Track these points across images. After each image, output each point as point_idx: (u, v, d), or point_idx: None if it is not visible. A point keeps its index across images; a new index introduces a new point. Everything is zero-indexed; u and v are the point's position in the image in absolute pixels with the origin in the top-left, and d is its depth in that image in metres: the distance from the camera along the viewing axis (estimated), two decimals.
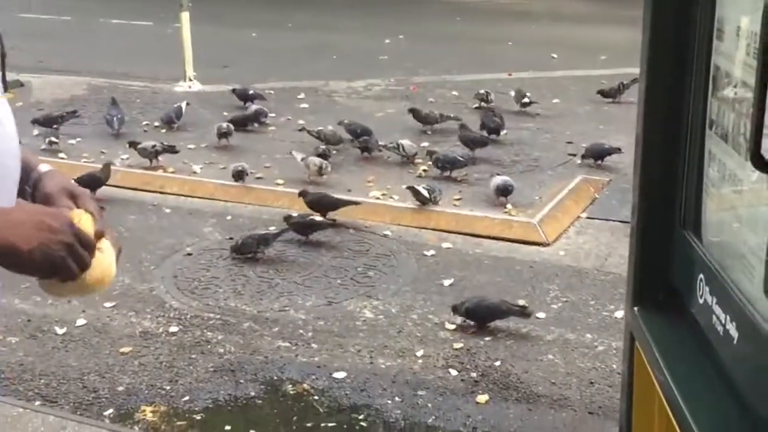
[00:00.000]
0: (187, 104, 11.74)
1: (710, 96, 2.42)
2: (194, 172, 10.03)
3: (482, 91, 12.09)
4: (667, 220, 2.63)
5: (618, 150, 9.71)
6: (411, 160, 9.96)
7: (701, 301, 2.41)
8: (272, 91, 13.29)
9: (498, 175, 9.17)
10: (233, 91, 12.56)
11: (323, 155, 9.94)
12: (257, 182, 9.65)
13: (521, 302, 6.88)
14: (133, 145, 10.29)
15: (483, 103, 11.91)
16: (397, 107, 12.37)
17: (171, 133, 11.46)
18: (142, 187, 9.78)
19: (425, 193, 8.69)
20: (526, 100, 12.02)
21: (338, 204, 8.61)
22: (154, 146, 10.21)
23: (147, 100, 13.06)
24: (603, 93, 12.36)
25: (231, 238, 8.16)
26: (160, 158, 10.16)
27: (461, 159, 9.62)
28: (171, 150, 10.26)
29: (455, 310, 6.66)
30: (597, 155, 9.79)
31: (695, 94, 2.52)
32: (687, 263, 2.50)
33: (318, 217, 8.42)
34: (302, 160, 9.55)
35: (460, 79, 13.95)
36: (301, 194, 8.68)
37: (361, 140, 10.23)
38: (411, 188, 8.76)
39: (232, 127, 10.73)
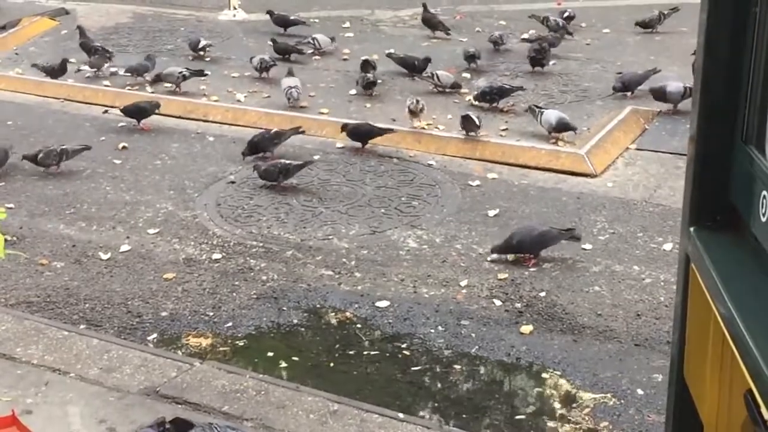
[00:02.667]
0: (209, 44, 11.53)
1: None
2: (238, 101, 9.96)
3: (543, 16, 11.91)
4: (727, 135, 2.51)
5: (654, 71, 9.56)
6: (447, 90, 9.82)
7: (764, 218, 2.29)
8: (317, 20, 13.13)
9: (550, 109, 8.96)
10: (270, 16, 12.36)
11: (370, 84, 9.83)
12: (301, 111, 9.56)
13: (568, 226, 6.80)
14: (157, 78, 10.31)
15: (538, 33, 11.65)
16: (442, 36, 12.15)
17: (216, 61, 11.37)
18: (185, 115, 9.74)
19: (477, 121, 8.55)
20: (567, 14, 12.04)
21: (374, 132, 8.56)
22: (181, 72, 10.17)
23: (191, 29, 12.95)
24: (642, 24, 12.09)
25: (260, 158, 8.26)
26: (178, 87, 10.14)
27: (508, 87, 9.45)
28: (199, 74, 10.25)
29: (500, 249, 6.51)
30: (633, 84, 9.53)
31: (762, 1, 2.38)
32: (749, 180, 2.38)
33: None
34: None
35: (508, 9, 13.67)
36: (343, 128, 8.64)
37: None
38: (466, 116, 8.60)
39: (268, 61, 10.52)
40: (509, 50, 11.36)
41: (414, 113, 8.82)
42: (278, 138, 8.47)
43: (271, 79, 10.48)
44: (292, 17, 12.50)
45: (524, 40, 11.46)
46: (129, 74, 10.54)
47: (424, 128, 8.84)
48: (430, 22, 12.13)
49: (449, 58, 11.06)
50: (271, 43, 11.42)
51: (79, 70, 10.93)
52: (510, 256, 6.54)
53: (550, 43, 10.99)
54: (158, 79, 10.35)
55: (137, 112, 9.31)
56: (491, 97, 9.33)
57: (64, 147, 8.32)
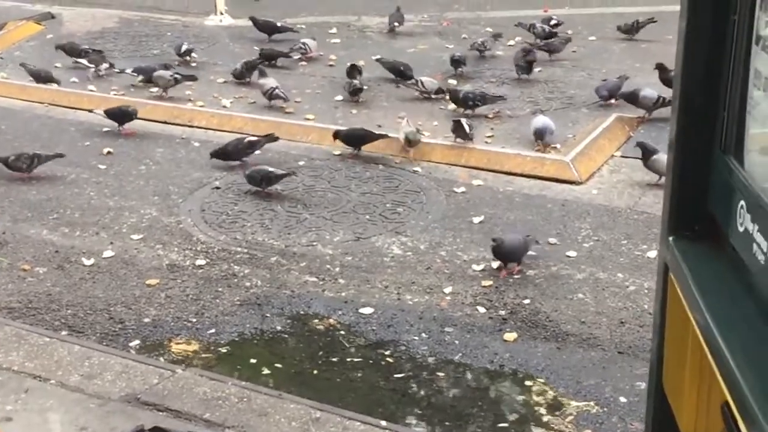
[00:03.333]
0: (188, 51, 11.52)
1: (758, 9, 2.28)
2: (224, 106, 9.94)
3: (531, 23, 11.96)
4: (706, 145, 2.51)
5: (622, 78, 9.67)
6: (432, 96, 9.82)
7: (741, 228, 2.29)
8: (303, 26, 13.10)
9: (540, 113, 8.98)
10: (254, 23, 12.16)
11: (357, 90, 9.84)
12: (287, 117, 9.55)
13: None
14: (149, 80, 10.29)
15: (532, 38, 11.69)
16: (430, 43, 12.16)
17: (202, 66, 11.34)
18: (171, 120, 9.71)
19: (467, 128, 8.54)
20: (554, 21, 12.10)
21: (369, 137, 8.56)
22: (172, 75, 10.15)
23: (178, 34, 12.93)
24: (622, 29, 12.21)
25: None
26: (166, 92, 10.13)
27: (489, 95, 9.45)
28: (191, 78, 10.23)
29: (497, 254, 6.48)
30: (615, 91, 9.56)
31: (741, 9, 2.37)
32: (727, 189, 2.38)
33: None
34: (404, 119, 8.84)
35: (495, 15, 13.69)
36: (336, 135, 8.62)
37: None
38: (457, 122, 8.60)
39: (240, 68, 10.55)
40: (495, 57, 11.37)
41: (411, 143, 8.46)
42: (251, 148, 8.43)
43: (253, 83, 10.48)
44: (279, 23, 12.46)
45: (530, 46, 11.40)
46: (136, 74, 10.49)
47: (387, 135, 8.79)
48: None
49: (435, 64, 11.06)
50: (257, 49, 11.40)
51: (76, 64, 10.93)
52: (495, 263, 6.53)
53: (554, 48, 11.11)
54: (149, 81, 10.31)
55: (120, 115, 9.28)
56: (473, 102, 9.29)
57: (37, 152, 8.27)
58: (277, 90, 9.67)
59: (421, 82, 9.96)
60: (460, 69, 10.64)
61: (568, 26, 12.52)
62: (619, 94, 9.46)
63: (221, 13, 13.77)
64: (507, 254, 6.44)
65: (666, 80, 9.46)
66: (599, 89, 9.64)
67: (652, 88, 9.31)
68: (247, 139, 8.53)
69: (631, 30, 12.21)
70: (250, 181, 7.80)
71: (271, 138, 8.61)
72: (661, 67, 9.57)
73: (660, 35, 11.77)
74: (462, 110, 9.37)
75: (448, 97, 9.67)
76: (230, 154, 8.40)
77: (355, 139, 8.63)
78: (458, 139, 8.59)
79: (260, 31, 12.35)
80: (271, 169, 7.89)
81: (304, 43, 11.41)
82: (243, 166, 8.18)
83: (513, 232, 6.81)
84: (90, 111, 9.61)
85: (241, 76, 10.61)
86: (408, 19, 12.75)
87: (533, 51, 10.74)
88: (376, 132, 8.67)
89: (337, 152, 8.70)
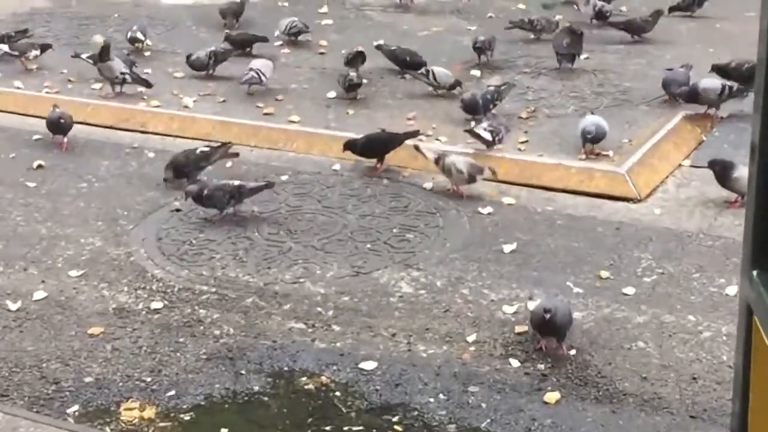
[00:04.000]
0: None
1: None
2: (185, 107, 9.98)
3: None
4: None
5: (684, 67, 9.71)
6: (446, 91, 9.88)
7: None
8: (286, 4, 13.19)
9: (588, 112, 8.99)
10: (227, 38, 11.58)
11: (353, 85, 9.86)
12: (266, 119, 9.59)
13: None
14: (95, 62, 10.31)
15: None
16: (446, 24, 12.21)
17: (157, 56, 11.39)
18: (118, 124, 9.76)
19: (487, 135, 8.56)
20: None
21: (396, 140, 8.55)
22: (122, 73, 10.17)
23: (127, 16, 13.00)
24: (677, 8, 12.27)
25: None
26: (120, 88, 10.18)
27: (503, 86, 9.46)
28: (144, 83, 10.17)
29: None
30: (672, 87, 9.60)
31: None
32: None
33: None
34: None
35: None
36: (348, 146, 8.60)
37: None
38: (470, 131, 8.63)
39: (202, 58, 10.58)
40: (536, 39, 11.43)
41: (472, 179, 8.12)
42: (206, 160, 8.44)
43: (225, 76, 10.52)
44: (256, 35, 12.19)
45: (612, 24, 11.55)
46: (92, 61, 10.51)
47: (421, 139, 8.83)
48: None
49: (453, 50, 11.10)
50: (226, 37, 11.41)
51: None
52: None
53: (638, 28, 11.35)
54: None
55: (60, 126, 9.22)
56: (485, 106, 9.19)
57: None
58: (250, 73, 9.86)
59: (433, 74, 9.99)
60: (484, 57, 10.67)
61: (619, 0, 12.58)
62: (678, 92, 9.44)
63: None
64: (561, 329, 6.24)
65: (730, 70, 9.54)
66: (669, 82, 9.62)
67: (711, 78, 9.35)
68: (200, 149, 8.53)
69: (690, 5, 12.25)
70: (210, 202, 7.76)
71: (227, 150, 8.56)
72: (718, 68, 9.64)
73: (736, 11, 11.83)
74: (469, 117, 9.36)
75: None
76: (184, 167, 8.35)
77: (379, 146, 8.61)
78: (482, 147, 8.61)
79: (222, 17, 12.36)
80: (238, 182, 7.87)
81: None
82: (196, 184, 8.02)
83: (552, 298, 6.53)
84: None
85: (204, 67, 10.64)
86: None
87: (578, 33, 10.76)
88: (402, 132, 8.65)
89: (336, 166, 8.70)
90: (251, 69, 10.05)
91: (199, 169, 8.41)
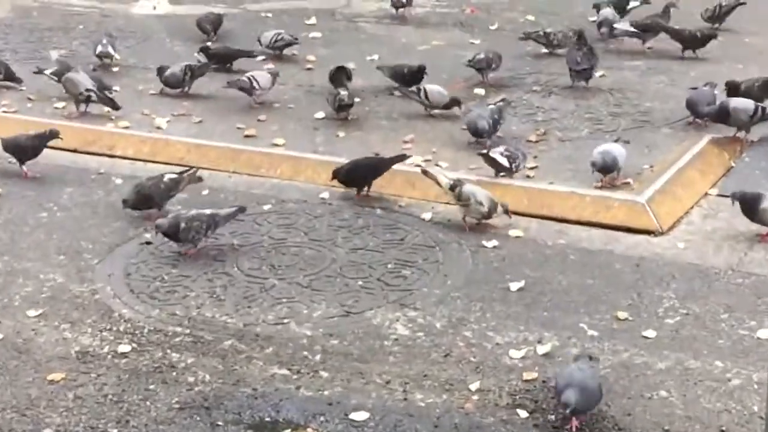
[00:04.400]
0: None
1: None
2: (158, 128, 10.00)
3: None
4: None
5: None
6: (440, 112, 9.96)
7: None
8: (269, 14, 13.22)
9: (609, 141, 8.99)
10: (205, 52, 11.63)
11: (344, 106, 9.88)
12: (247, 142, 9.60)
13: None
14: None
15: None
16: (447, 37, 12.25)
17: (127, 71, 11.40)
18: (83, 147, 9.77)
19: (504, 161, 8.56)
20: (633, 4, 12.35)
21: (382, 165, 8.62)
22: (87, 90, 10.16)
23: (94, 28, 13.03)
24: (702, 17, 12.41)
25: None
26: (85, 107, 10.19)
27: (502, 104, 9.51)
28: (110, 104, 10.15)
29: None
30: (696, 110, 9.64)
31: None
32: None
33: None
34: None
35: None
36: (336, 174, 8.65)
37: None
38: (485, 156, 8.63)
39: (177, 74, 10.63)
40: (548, 54, 11.48)
41: (489, 215, 8.12)
42: (174, 188, 8.46)
43: (202, 95, 10.54)
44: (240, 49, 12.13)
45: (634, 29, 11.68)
46: (55, 78, 10.57)
47: (419, 165, 8.85)
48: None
49: (454, 66, 11.13)
50: (203, 49, 11.45)
51: None
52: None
53: (692, 40, 11.45)
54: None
55: (20, 150, 9.23)
56: (489, 129, 9.25)
57: None
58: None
59: (425, 92, 10.01)
60: (487, 73, 10.71)
61: (643, 10, 12.63)
62: (705, 112, 9.48)
63: None
64: (591, 403, 6.18)
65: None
66: (694, 102, 9.64)
67: (743, 99, 9.38)
68: (168, 176, 8.51)
69: (714, 17, 12.37)
70: (187, 236, 7.72)
71: (193, 175, 8.60)
72: (732, 86, 9.70)
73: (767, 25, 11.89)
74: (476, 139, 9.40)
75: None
76: (150, 196, 8.36)
77: (365, 171, 8.66)
78: (500, 174, 8.61)
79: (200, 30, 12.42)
80: (210, 210, 7.84)
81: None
82: (166, 218, 7.96)
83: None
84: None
85: (179, 84, 10.67)
86: (418, 4, 12.84)
87: (591, 51, 10.79)
88: (389, 157, 8.71)
89: (325, 194, 8.71)
90: (246, 75, 10.08)
91: (169, 198, 8.43)
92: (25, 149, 9.25)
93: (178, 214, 7.91)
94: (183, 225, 7.73)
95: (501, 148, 8.72)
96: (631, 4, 12.51)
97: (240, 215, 8.11)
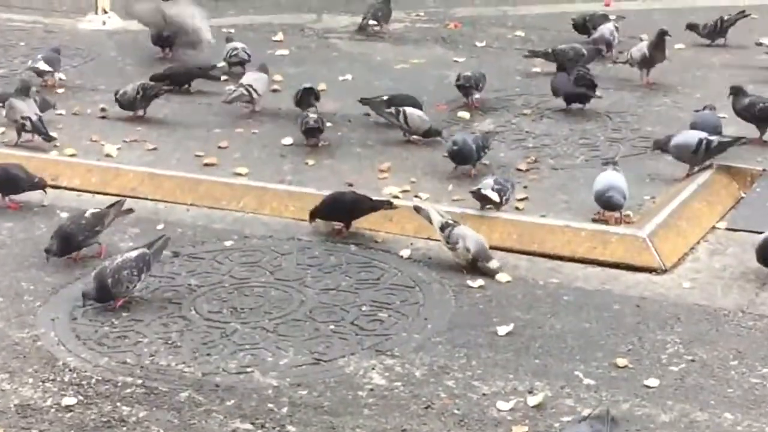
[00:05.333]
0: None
1: None
2: (107, 155, 10.00)
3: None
4: None
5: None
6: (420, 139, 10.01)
7: None
8: (232, 30, 13.25)
9: (607, 167, 8.97)
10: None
11: (312, 130, 9.89)
12: (206, 171, 9.60)
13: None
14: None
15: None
16: (429, 54, 12.29)
17: (73, 93, 11.41)
18: None
19: (495, 196, 8.55)
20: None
21: (366, 205, 8.62)
22: (26, 117, 10.08)
23: (37, 44, 13.04)
24: (700, 32, 12.60)
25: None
26: (30, 135, 10.15)
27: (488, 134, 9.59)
28: (43, 135, 10.08)
29: None
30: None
31: None
32: None
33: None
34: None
35: (528, 13, 13.91)
36: (313, 214, 8.67)
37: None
38: (475, 193, 8.62)
39: (129, 93, 10.64)
40: (537, 74, 11.53)
41: (476, 262, 8.13)
42: (100, 224, 8.39)
43: (157, 119, 10.54)
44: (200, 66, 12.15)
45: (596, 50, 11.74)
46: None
47: (398, 197, 8.87)
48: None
49: (436, 87, 11.16)
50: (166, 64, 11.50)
51: None
52: None
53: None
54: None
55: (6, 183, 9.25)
56: (478, 154, 9.34)
57: None
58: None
59: (404, 114, 10.02)
60: (474, 95, 10.74)
61: (640, 26, 12.72)
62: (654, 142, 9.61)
63: (104, 12, 13.95)
64: None
65: (741, 110, 9.68)
66: (698, 126, 9.67)
67: (691, 130, 9.44)
68: (90, 211, 8.43)
69: (713, 33, 12.49)
70: (119, 288, 7.61)
71: (120, 207, 8.56)
72: (737, 92, 9.76)
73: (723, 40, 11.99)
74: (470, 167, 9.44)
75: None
76: (71, 236, 8.26)
77: (343, 208, 8.65)
78: (488, 207, 8.63)
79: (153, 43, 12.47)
80: (136, 252, 7.74)
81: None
82: (93, 281, 7.78)
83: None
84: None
85: (132, 106, 10.68)
86: (396, 18, 12.89)
87: (584, 71, 10.86)
88: (375, 198, 8.69)
89: (303, 235, 8.69)
90: (241, 85, 10.08)
91: (95, 235, 8.37)
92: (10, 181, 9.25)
93: (101, 269, 7.70)
94: (110, 280, 7.66)
95: (490, 181, 8.70)
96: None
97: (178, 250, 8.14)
